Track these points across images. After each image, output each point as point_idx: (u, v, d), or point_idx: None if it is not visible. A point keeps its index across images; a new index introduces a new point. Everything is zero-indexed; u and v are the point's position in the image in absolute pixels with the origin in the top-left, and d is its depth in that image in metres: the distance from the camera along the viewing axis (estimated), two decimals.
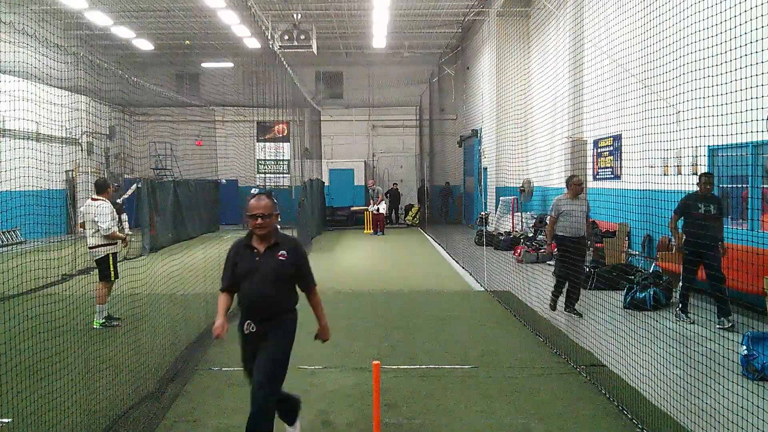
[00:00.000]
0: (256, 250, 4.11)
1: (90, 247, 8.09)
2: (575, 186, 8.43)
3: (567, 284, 8.42)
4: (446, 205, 26.47)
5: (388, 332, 7.75)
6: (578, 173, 12.29)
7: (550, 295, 8.62)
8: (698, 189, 7.71)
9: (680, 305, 7.95)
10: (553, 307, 8.54)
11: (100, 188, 8.27)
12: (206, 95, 24.45)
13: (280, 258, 4.07)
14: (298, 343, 7.58)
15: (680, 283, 8.04)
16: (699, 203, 7.65)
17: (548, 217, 8.82)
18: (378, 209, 22.60)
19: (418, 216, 26.23)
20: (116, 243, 8.22)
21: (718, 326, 7.36)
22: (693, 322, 7.64)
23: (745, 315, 7.70)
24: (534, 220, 17.43)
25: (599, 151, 13.80)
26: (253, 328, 4.11)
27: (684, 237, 7.81)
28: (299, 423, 4.54)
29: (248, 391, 5.68)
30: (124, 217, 18.43)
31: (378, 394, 4.21)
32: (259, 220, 4.04)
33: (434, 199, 24.82)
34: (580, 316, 8.24)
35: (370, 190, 23.67)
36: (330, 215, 25.37)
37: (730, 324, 7.33)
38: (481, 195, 22.92)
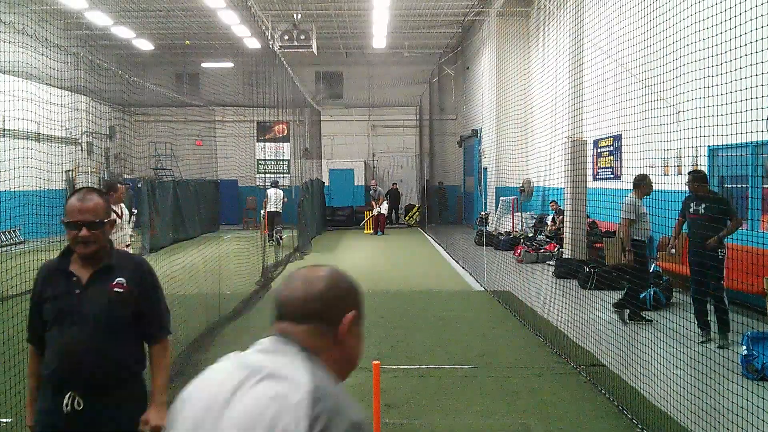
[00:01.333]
0: (75, 279, 2.61)
1: None
2: (647, 186, 7.76)
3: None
4: (443, 205, 26.45)
5: (388, 332, 7.74)
6: (578, 173, 12.31)
7: (625, 303, 7.79)
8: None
9: (698, 323, 7.01)
10: (637, 316, 7.78)
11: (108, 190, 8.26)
12: (206, 95, 24.44)
13: (116, 289, 2.62)
14: None
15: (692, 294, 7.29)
16: (691, 203, 7.19)
17: (623, 220, 7.82)
18: (379, 211, 22.60)
19: (415, 216, 26.25)
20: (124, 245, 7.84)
21: (714, 341, 6.79)
22: (708, 340, 6.82)
23: (745, 315, 7.68)
24: (534, 220, 17.44)
25: (599, 151, 13.80)
26: (79, 405, 2.51)
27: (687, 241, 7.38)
28: None
29: None
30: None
31: (378, 394, 4.21)
32: (85, 231, 2.52)
33: (432, 200, 24.82)
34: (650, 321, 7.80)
35: (371, 190, 23.67)
36: (330, 215, 25.36)
37: (725, 343, 6.66)
38: (481, 195, 22.92)
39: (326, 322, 1.51)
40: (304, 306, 1.47)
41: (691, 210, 7.10)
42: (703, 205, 7.01)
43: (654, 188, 7.90)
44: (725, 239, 6.97)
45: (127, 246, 7.74)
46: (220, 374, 1.40)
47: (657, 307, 8.56)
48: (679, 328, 7.09)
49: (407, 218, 26.76)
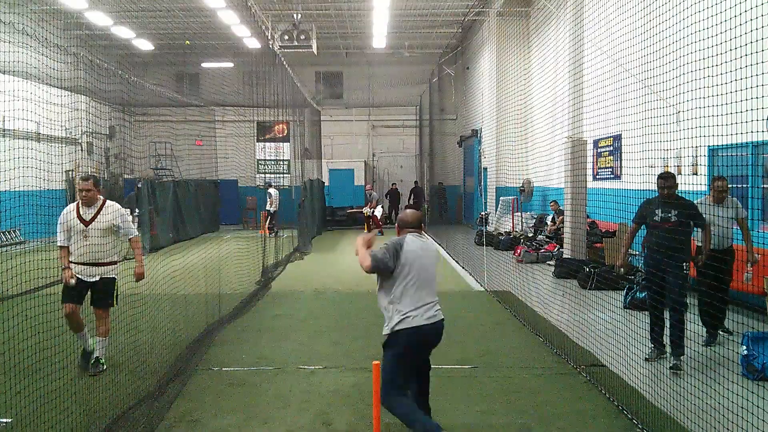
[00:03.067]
0: None
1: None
2: (715, 191, 6.78)
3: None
4: (442, 205, 26.44)
5: None
6: (578, 173, 12.30)
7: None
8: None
9: (651, 338, 6.37)
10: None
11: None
12: (206, 95, 24.45)
13: None
14: (299, 344, 7.55)
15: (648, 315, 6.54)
16: (656, 209, 6.37)
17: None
18: (372, 212, 22.58)
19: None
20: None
21: (670, 365, 6.04)
22: (678, 369, 5.94)
23: (745, 315, 7.69)
24: (534, 220, 17.44)
25: (599, 151, 13.80)
26: None
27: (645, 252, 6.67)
28: None
29: (248, 390, 5.72)
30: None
31: (378, 394, 4.21)
32: None
33: (432, 199, 24.84)
34: (731, 333, 6.90)
35: (367, 194, 23.73)
36: (330, 215, 25.37)
37: (678, 364, 5.97)
38: (481, 195, 22.92)
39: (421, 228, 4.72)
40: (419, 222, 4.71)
41: (658, 217, 6.32)
42: (674, 212, 6.25)
43: (654, 188, 7.87)
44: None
45: (117, 263, 6.25)
46: (416, 241, 4.49)
47: None
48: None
49: None
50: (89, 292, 6.08)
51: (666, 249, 6.09)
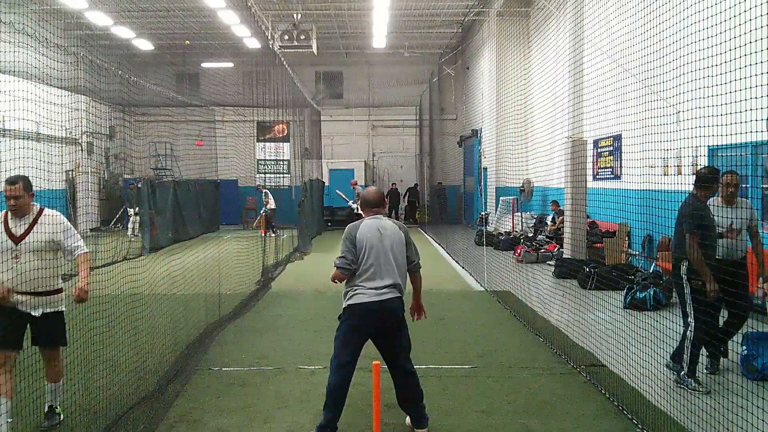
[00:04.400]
0: None
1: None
2: (723, 187, 5.74)
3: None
4: (442, 204, 26.49)
5: None
6: (578, 173, 12.30)
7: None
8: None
9: (687, 367, 5.47)
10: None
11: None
12: (206, 95, 24.46)
13: None
14: (299, 343, 7.54)
15: (690, 332, 5.50)
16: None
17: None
18: (357, 209, 22.54)
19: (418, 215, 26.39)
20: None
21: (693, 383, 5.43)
22: (709, 392, 5.33)
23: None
24: (534, 220, 17.44)
25: (599, 151, 13.81)
26: None
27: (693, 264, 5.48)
28: None
29: (248, 390, 5.72)
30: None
31: (378, 394, 4.21)
32: None
33: (432, 199, 24.87)
34: (726, 355, 6.06)
35: (352, 189, 23.73)
36: (330, 215, 25.38)
37: (703, 387, 5.40)
38: (481, 195, 22.93)
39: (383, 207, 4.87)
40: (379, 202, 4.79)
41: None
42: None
43: (654, 188, 7.88)
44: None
45: (62, 290, 4.76)
46: (371, 225, 4.57)
47: (657, 307, 8.58)
48: (679, 328, 7.09)
49: (418, 215, 26.71)
50: (28, 329, 4.61)
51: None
